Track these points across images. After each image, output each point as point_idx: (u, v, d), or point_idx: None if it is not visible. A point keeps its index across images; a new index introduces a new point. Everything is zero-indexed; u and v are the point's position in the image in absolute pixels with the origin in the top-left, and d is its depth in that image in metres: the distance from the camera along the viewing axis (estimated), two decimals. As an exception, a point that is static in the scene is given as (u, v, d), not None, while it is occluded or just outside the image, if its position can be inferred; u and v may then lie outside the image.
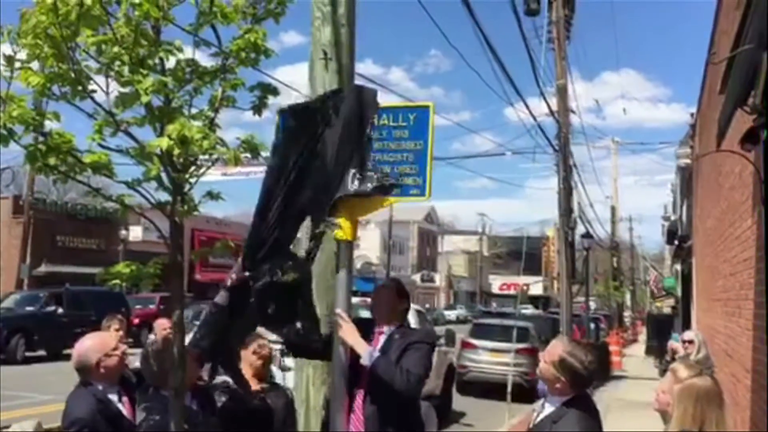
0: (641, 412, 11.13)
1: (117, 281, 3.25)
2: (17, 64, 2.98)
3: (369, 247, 66.97)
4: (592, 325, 26.46)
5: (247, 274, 3.85)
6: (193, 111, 3.32)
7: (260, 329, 4.93)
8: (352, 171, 3.66)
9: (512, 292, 66.60)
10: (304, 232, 4.15)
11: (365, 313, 13.03)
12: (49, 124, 3.10)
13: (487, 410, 14.34)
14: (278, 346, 5.43)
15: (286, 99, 6.85)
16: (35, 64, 3.02)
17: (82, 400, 3.67)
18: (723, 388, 7.66)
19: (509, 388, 12.60)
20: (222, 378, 4.54)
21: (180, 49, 3.21)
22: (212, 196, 3.48)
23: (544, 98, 18.93)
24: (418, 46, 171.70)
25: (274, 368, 6.19)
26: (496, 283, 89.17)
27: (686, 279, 21.58)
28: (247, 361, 4.50)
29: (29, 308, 22.42)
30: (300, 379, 5.09)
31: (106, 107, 3.12)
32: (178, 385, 3.35)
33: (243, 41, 3.30)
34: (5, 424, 7.33)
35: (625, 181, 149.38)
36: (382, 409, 3.94)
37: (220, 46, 3.35)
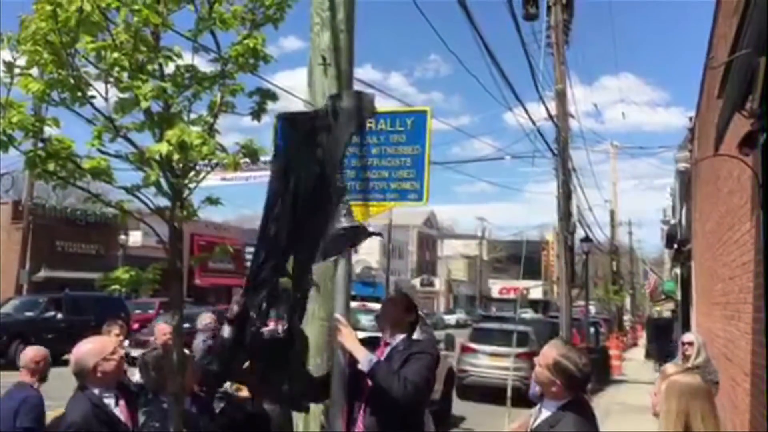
0: (641, 416, 11.12)
1: (116, 287, 3.26)
2: (17, 71, 2.99)
3: (368, 251, 66.88)
4: (592, 329, 26.38)
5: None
6: (193, 116, 3.34)
7: None
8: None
9: (512, 296, 66.53)
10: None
11: (364, 317, 13.04)
12: (49, 130, 3.11)
13: (487, 414, 14.31)
14: None
15: (286, 104, 6.85)
16: (35, 71, 3.03)
17: (78, 404, 3.66)
18: (722, 392, 7.67)
19: (509, 393, 12.58)
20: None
21: (179, 55, 3.22)
22: (211, 201, 3.49)
23: (543, 103, 18.96)
24: (417, 51, 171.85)
25: None
26: (496, 287, 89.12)
27: (686, 283, 21.58)
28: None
29: (28, 313, 22.37)
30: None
31: (106, 113, 3.14)
32: (177, 390, 3.35)
33: (242, 47, 3.32)
34: None
35: (624, 185, 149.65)
36: (382, 421, 3.93)
37: (219, 51, 3.36)
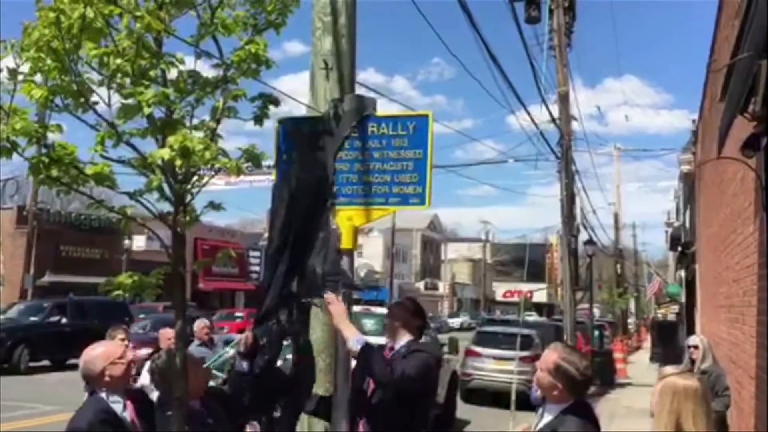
0: (645, 420, 11.10)
1: (119, 292, 3.27)
2: (20, 77, 3.00)
3: (372, 255, 66.95)
4: (596, 332, 26.37)
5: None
6: (195, 122, 3.35)
7: None
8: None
9: (516, 299, 66.46)
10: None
11: (367, 321, 13.04)
12: (52, 136, 3.12)
13: (491, 418, 14.30)
14: None
15: (289, 108, 6.87)
16: (38, 77, 3.04)
17: (84, 409, 3.68)
18: (727, 395, 7.59)
19: (513, 396, 12.56)
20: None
21: (181, 61, 3.23)
22: (214, 206, 3.49)
23: (546, 105, 18.97)
24: (420, 55, 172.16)
25: None
26: (500, 290, 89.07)
27: (690, 285, 21.54)
28: None
29: (33, 318, 22.43)
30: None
31: (109, 119, 3.15)
32: (180, 394, 3.36)
33: (244, 52, 3.32)
34: None
35: (628, 188, 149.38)
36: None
37: (221, 57, 3.37)
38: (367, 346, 3.85)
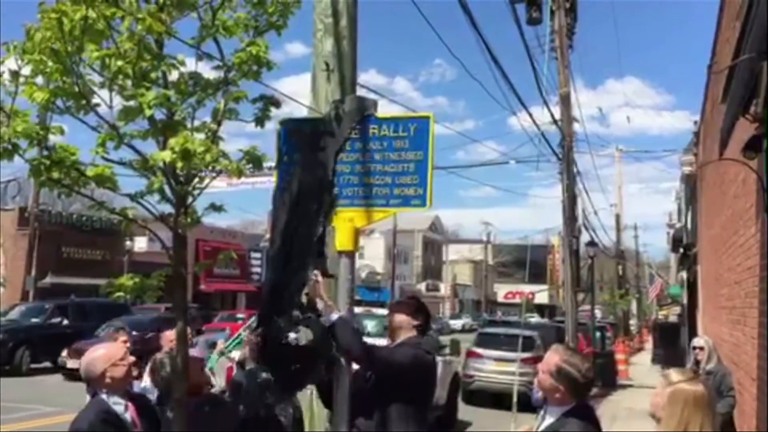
0: (647, 422, 11.08)
1: (121, 293, 3.27)
2: (21, 79, 3.01)
3: (373, 256, 66.92)
4: (598, 334, 26.34)
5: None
6: (196, 123, 3.35)
7: None
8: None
9: (517, 300, 66.44)
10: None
11: (369, 322, 13.01)
12: (54, 138, 3.12)
13: (493, 420, 14.29)
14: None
15: (291, 109, 6.87)
16: (39, 79, 3.05)
17: (86, 411, 3.69)
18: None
19: (515, 398, 12.55)
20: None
21: (182, 63, 3.24)
22: (215, 208, 3.50)
23: (548, 107, 18.96)
24: (422, 56, 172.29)
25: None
26: (501, 291, 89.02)
27: (692, 287, 21.52)
28: None
29: (34, 320, 22.43)
30: (303, 392, 5.08)
31: (110, 121, 3.15)
32: (180, 395, 3.36)
33: (245, 54, 3.33)
34: None
35: (629, 189, 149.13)
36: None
37: (222, 58, 3.38)
38: (340, 320, 3.86)
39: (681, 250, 23.27)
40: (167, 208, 3.31)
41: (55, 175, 3.05)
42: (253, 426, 4.29)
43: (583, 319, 25.78)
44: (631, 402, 17.05)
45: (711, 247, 12.48)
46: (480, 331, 21.32)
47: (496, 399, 15.59)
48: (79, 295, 25.67)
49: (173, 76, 3.26)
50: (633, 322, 58.47)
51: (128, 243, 36.16)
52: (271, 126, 4.00)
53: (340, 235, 4.13)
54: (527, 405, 13.29)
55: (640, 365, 29.58)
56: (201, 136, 3.23)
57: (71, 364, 18.11)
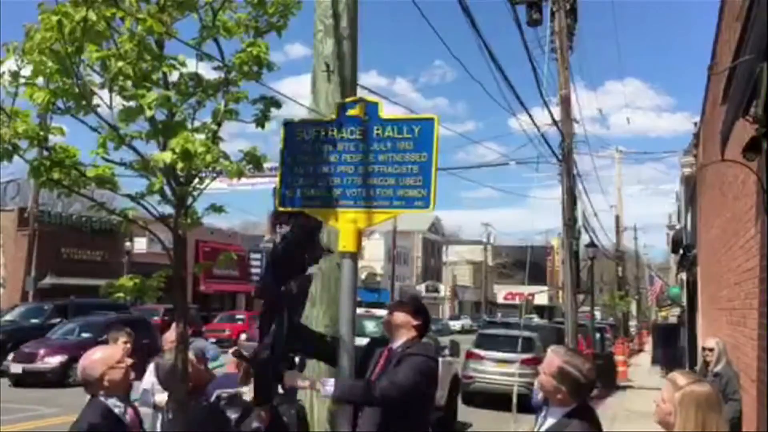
0: (647, 423, 11.07)
1: (121, 294, 3.27)
2: (22, 80, 3.01)
3: (373, 257, 66.92)
4: (598, 335, 26.33)
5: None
6: (197, 124, 3.35)
7: None
8: None
9: (517, 301, 66.45)
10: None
11: (369, 323, 12.99)
12: (54, 139, 3.12)
13: (493, 421, 14.29)
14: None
15: (291, 110, 6.87)
16: (40, 80, 3.05)
17: (85, 413, 3.66)
18: (728, 398, 7.58)
19: (514, 399, 12.54)
20: (234, 390, 4.57)
21: (183, 64, 3.24)
22: (215, 209, 3.50)
23: (548, 108, 18.94)
24: (422, 57, 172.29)
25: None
26: (501, 292, 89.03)
27: (692, 288, 21.51)
28: None
29: (34, 320, 22.44)
30: (304, 392, 5.08)
31: (110, 121, 3.15)
32: (181, 397, 3.36)
33: (245, 55, 3.33)
34: None
35: (629, 190, 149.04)
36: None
37: (222, 59, 3.37)
38: (337, 387, 3.84)
39: (681, 251, 23.25)
40: (167, 209, 3.31)
41: (56, 175, 3.04)
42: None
43: (582, 321, 25.76)
44: (630, 403, 17.06)
45: (711, 248, 12.48)
46: (480, 332, 21.31)
47: (495, 400, 15.57)
48: (79, 295, 25.67)
49: (174, 76, 3.26)
50: (632, 323, 58.46)
51: (128, 244, 36.17)
52: (271, 127, 4.00)
53: (342, 237, 4.12)
54: (527, 406, 13.29)
55: (639, 366, 29.60)
56: (201, 136, 3.22)
57: (14, 369, 18.14)
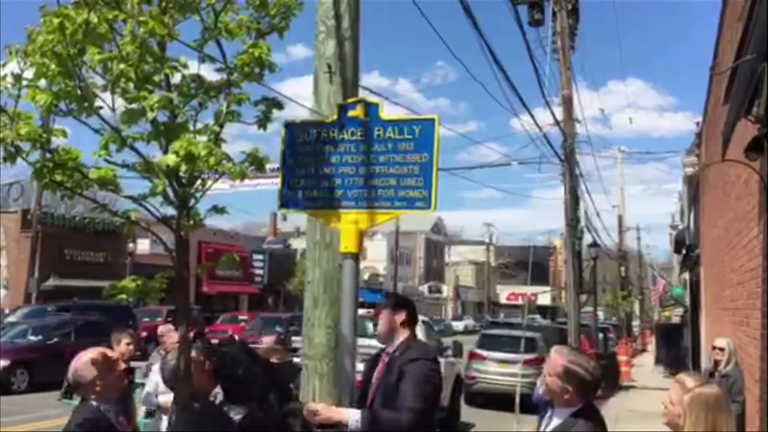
0: (651, 423, 11.07)
1: (123, 296, 3.27)
2: (24, 82, 3.01)
3: (376, 258, 66.92)
4: (601, 335, 26.31)
5: None
6: (199, 126, 3.35)
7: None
8: None
9: (520, 302, 66.49)
10: None
11: (370, 324, 13.00)
12: (57, 141, 3.13)
13: (495, 421, 14.29)
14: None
15: (293, 112, 6.88)
16: (42, 82, 3.05)
17: (76, 415, 3.58)
18: (731, 398, 7.56)
19: (517, 399, 12.54)
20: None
21: (185, 65, 3.24)
22: (218, 210, 3.50)
23: (549, 108, 18.93)
24: (424, 58, 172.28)
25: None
26: (504, 293, 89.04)
27: (694, 288, 21.48)
28: None
29: (37, 322, 22.44)
30: (307, 392, 5.08)
31: (113, 123, 3.16)
32: (183, 398, 3.36)
33: (247, 56, 3.33)
34: None
35: (632, 191, 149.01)
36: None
37: (224, 61, 3.38)
38: (364, 418, 3.80)
39: (683, 251, 23.20)
40: (170, 211, 3.31)
41: (58, 177, 3.05)
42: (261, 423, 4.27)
43: (585, 321, 25.73)
44: (634, 403, 17.04)
45: (714, 248, 12.47)
46: (482, 332, 21.30)
47: (498, 400, 15.57)
48: (82, 297, 25.71)
49: (176, 78, 3.26)
50: (636, 323, 58.38)
51: (131, 245, 36.18)
52: (273, 128, 4.00)
53: (344, 237, 4.13)
54: (530, 406, 13.30)
55: (642, 367, 29.57)
56: (203, 138, 3.22)
57: None
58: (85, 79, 3.07)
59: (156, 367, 6.70)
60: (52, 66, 2.96)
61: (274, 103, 3.64)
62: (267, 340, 8.39)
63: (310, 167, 4.27)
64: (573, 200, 20.12)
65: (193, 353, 3.93)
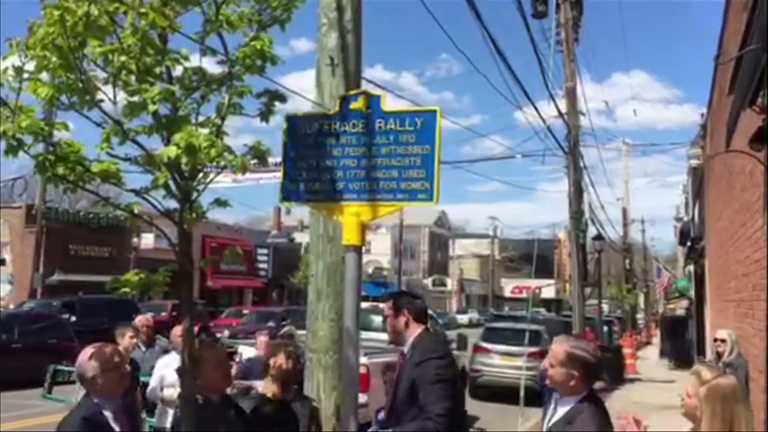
0: (655, 415, 11.07)
1: (126, 289, 3.26)
2: (25, 75, 3.00)
3: (380, 251, 66.98)
4: (605, 328, 26.30)
5: None
6: (201, 119, 3.34)
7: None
8: None
9: (524, 295, 66.44)
10: None
11: (375, 318, 12.99)
12: (59, 134, 3.12)
13: (500, 414, 14.29)
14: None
15: (296, 105, 6.87)
16: (44, 75, 3.04)
17: (75, 412, 3.59)
18: (736, 389, 7.56)
19: (522, 392, 12.54)
20: (248, 382, 4.58)
21: (186, 58, 3.23)
22: (220, 203, 3.49)
23: (554, 100, 18.88)
24: (428, 51, 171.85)
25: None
26: (508, 286, 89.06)
27: (699, 280, 21.45)
28: (276, 368, 4.45)
29: (42, 317, 22.51)
30: (311, 386, 5.09)
31: (114, 116, 3.15)
32: (188, 392, 3.36)
33: (249, 48, 3.31)
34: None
35: (636, 183, 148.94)
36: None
37: (226, 53, 3.36)
38: None
39: (688, 243, 23.18)
40: (172, 204, 3.31)
41: (60, 170, 3.04)
42: (273, 419, 4.27)
43: (590, 314, 25.71)
44: (639, 396, 17.03)
45: (718, 239, 12.44)
46: (487, 325, 21.30)
47: (503, 393, 15.57)
48: (87, 292, 25.77)
49: (177, 71, 3.25)
50: (640, 316, 58.33)
51: (135, 240, 36.25)
52: (276, 122, 3.99)
53: (346, 230, 4.12)
54: (534, 399, 13.31)
55: (647, 359, 29.55)
56: (205, 131, 3.21)
57: None
58: (86, 72, 3.06)
59: (160, 363, 6.73)
60: (53, 59, 2.95)
61: (277, 96, 3.62)
62: (262, 339, 8.40)
63: (312, 159, 4.26)
64: (577, 193, 20.09)
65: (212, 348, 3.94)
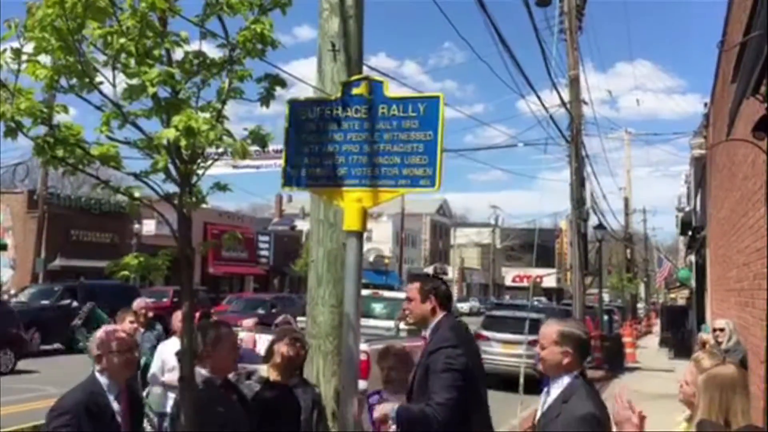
0: (656, 404, 11.08)
1: (126, 272, 3.26)
2: (24, 57, 2.98)
3: (381, 239, 67.00)
4: (606, 317, 26.34)
5: None
6: (201, 103, 3.32)
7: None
8: None
9: (525, 284, 66.53)
10: None
11: (377, 305, 12.96)
12: (58, 117, 3.10)
13: (500, 402, 14.24)
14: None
15: (298, 92, 6.84)
16: (42, 57, 3.02)
17: (76, 390, 3.66)
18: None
19: (522, 380, 12.57)
20: (253, 366, 4.57)
21: (186, 40, 3.20)
22: (220, 187, 3.48)
23: (556, 89, 18.82)
24: (431, 39, 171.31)
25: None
26: (509, 275, 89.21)
27: (700, 270, 21.46)
28: (280, 354, 4.45)
29: (44, 302, 22.61)
30: (310, 371, 5.09)
31: (114, 99, 3.13)
32: (188, 375, 3.36)
33: (249, 32, 3.29)
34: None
35: (638, 173, 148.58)
36: None
37: (226, 37, 3.34)
38: (401, 414, 3.96)
39: (690, 233, 23.17)
40: (172, 188, 3.29)
41: (60, 153, 3.02)
42: (275, 404, 4.28)
43: (590, 303, 25.75)
44: (638, 385, 17.05)
45: (720, 229, 12.42)
46: (487, 314, 21.33)
47: (502, 381, 15.60)
48: (88, 277, 25.83)
49: (178, 55, 3.23)
50: (641, 305, 58.42)
51: (136, 226, 36.30)
52: (277, 109, 3.97)
53: (347, 216, 4.11)
54: (534, 387, 13.33)
55: (647, 349, 29.59)
56: (206, 115, 3.19)
57: None
58: (85, 54, 3.04)
59: (160, 348, 6.77)
60: (52, 40, 2.93)
61: (277, 80, 3.60)
62: (247, 323, 8.44)
63: (313, 145, 4.25)
64: (579, 182, 20.07)
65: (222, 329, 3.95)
